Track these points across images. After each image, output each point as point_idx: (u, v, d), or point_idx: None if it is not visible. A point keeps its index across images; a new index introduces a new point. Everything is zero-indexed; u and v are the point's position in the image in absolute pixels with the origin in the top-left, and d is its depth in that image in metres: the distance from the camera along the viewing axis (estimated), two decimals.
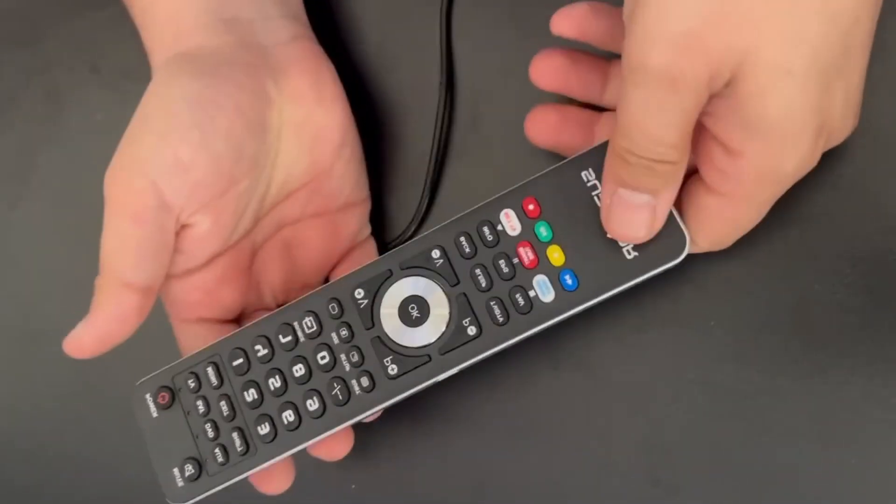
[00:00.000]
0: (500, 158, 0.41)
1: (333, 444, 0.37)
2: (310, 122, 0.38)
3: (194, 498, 0.35)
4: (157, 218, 0.34)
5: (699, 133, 0.32)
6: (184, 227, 0.35)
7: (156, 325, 0.37)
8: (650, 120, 0.30)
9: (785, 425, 0.37)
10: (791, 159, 0.31)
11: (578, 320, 0.34)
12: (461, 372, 0.34)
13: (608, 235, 0.34)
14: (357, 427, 0.36)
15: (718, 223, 0.34)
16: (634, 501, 0.38)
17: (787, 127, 0.30)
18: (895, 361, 0.35)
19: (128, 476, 0.44)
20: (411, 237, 0.41)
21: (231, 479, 0.35)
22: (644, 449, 0.38)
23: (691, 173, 0.34)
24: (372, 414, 0.35)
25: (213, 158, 0.35)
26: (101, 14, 0.46)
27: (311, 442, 0.35)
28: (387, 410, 0.35)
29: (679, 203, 0.34)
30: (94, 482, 0.45)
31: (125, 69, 0.46)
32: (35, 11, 0.48)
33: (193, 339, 0.37)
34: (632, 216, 0.32)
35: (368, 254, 0.41)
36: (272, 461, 0.35)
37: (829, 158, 0.36)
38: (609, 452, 0.39)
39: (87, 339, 0.34)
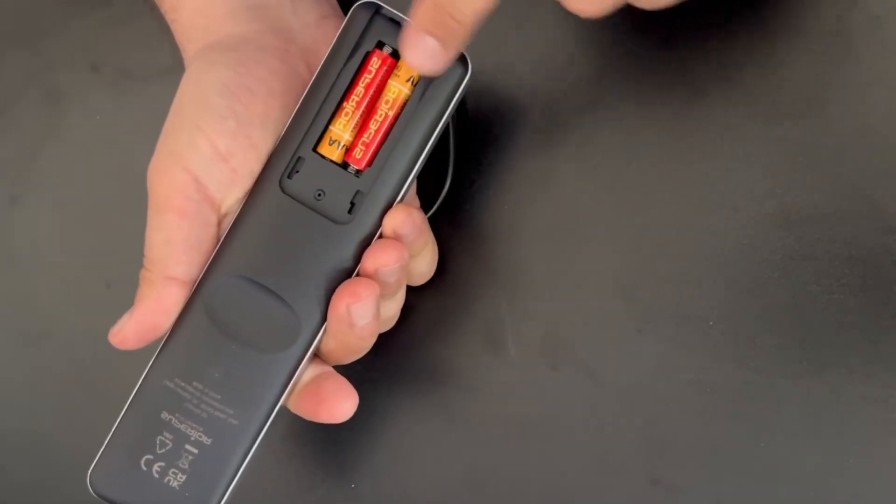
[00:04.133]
0: (505, 142, 0.41)
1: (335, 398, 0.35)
2: None
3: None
4: (201, 212, 0.34)
5: None
6: (226, 215, 0.36)
7: None
8: None
9: (783, 425, 0.37)
10: None
11: (578, 319, 0.34)
12: (461, 372, 0.34)
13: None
14: (356, 427, 0.36)
15: None
16: (633, 501, 0.38)
17: None
18: (894, 361, 0.35)
19: None
20: (437, 212, 0.41)
21: None
22: (643, 449, 0.38)
23: None
24: None
25: (251, 145, 0.35)
26: (101, 13, 0.46)
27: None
28: (386, 411, 0.35)
29: None
30: None
31: (125, 68, 0.46)
32: (35, 11, 0.48)
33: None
34: None
35: None
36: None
37: (829, 158, 0.36)
38: (608, 452, 0.39)
39: (130, 332, 0.35)
